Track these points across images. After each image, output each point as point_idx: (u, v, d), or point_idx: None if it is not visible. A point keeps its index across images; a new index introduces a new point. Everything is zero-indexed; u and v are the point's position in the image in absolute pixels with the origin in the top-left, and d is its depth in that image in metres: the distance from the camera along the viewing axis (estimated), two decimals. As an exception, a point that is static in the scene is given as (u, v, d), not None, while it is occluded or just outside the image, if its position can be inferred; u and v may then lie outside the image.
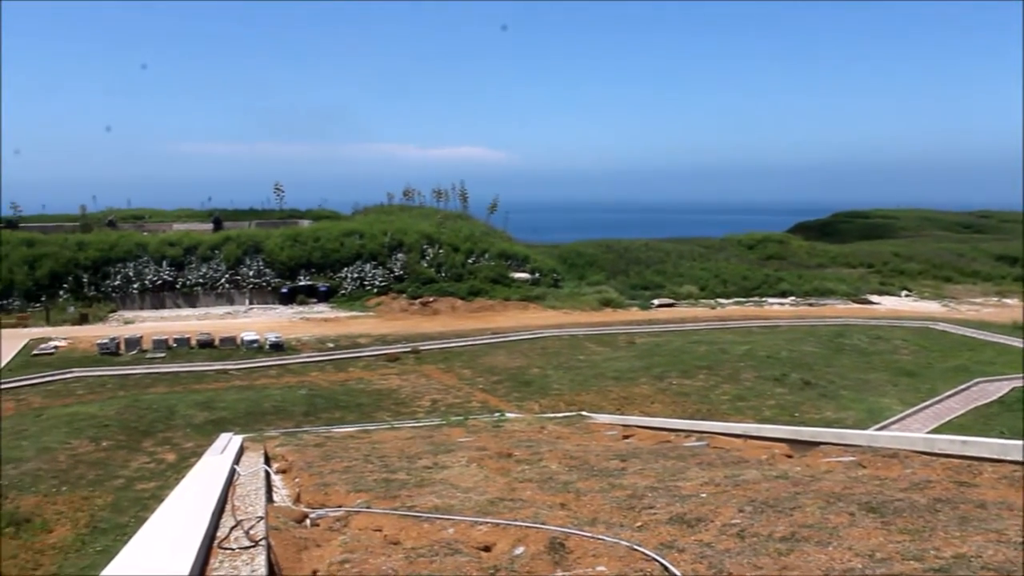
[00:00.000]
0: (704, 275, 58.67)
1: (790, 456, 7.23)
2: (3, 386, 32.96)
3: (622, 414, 23.85)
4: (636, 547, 3.99)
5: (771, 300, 54.96)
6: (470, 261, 54.46)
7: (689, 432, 9.64)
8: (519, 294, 51.49)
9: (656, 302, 52.38)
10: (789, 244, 73.39)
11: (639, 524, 4.58)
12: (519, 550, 4.17)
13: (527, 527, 4.48)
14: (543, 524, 4.52)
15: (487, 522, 4.70)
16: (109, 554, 16.90)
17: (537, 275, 55.31)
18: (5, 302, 48.39)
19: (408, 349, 37.67)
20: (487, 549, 4.31)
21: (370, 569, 3.97)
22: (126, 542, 4.10)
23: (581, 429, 11.24)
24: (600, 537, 4.21)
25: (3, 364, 36.01)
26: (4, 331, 43.89)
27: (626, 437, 9.98)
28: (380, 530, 4.83)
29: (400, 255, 53.46)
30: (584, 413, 13.77)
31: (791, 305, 53.57)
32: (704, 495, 5.19)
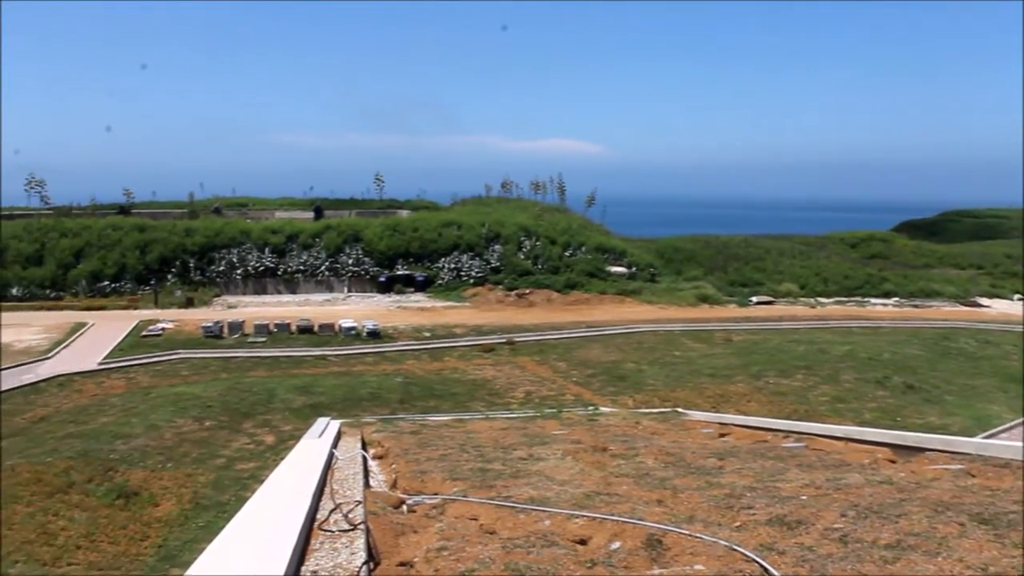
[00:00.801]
0: (804, 273, 57.49)
1: (893, 461, 7.03)
2: (115, 365, 34.25)
3: (718, 412, 23.55)
4: (735, 547, 3.93)
5: (874, 300, 53.58)
6: (567, 254, 54.38)
7: (787, 432, 9.45)
8: (615, 288, 51.25)
9: (754, 299, 51.56)
10: (894, 243, 71.43)
11: (738, 524, 4.50)
12: (616, 545, 4.15)
13: (624, 522, 4.45)
14: (640, 520, 4.48)
15: (584, 515, 4.68)
16: (211, 530, 17.39)
17: (634, 269, 54.94)
18: (117, 285, 50.25)
19: (503, 340, 37.83)
20: (583, 542, 4.30)
21: (467, 557, 3.99)
22: (228, 519, 4.21)
23: (677, 426, 11.12)
24: (698, 535, 4.16)
25: (116, 344, 37.39)
26: (116, 312, 45.58)
27: (722, 435, 9.85)
28: (476, 519, 4.85)
29: (497, 246, 53.68)
30: (679, 410, 13.62)
31: (895, 306, 52.14)
32: (804, 497, 5.08)
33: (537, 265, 52.87)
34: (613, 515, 4.64)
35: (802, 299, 52.69)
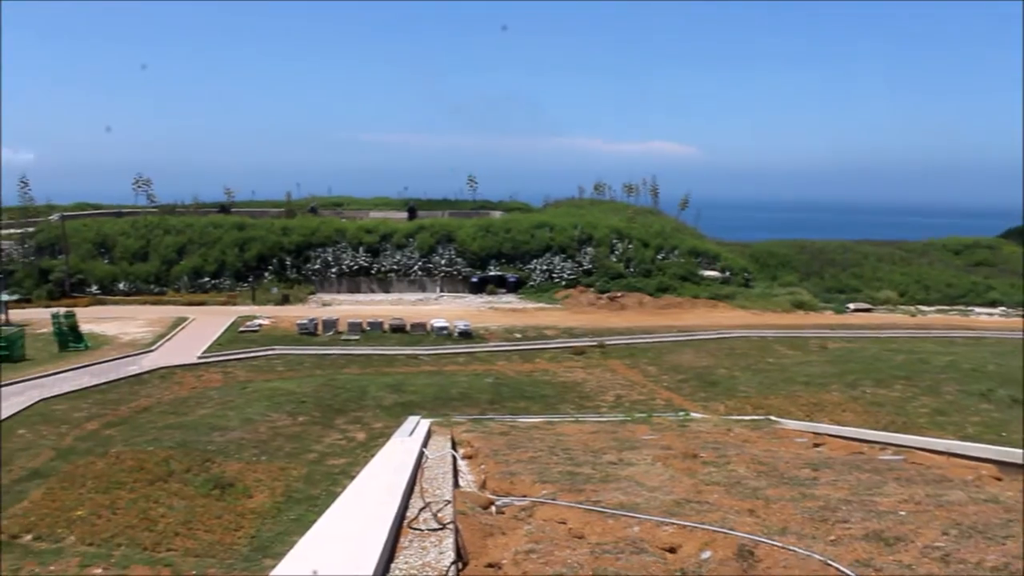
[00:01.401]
0: (904, 280, 55.96)
1: (999, 479, 6.77)
2: (213, 359, 35.18)
3: (812, 421, 23.08)
4: (830, 562, 3.84)
5: (978, 309, 51.87)
6: (659, 257, 53.96)
7: (884, 445, 9.19)
8: (708, 292, 50.68)
9: (851, 306, 50.40)
10: (1000, 250, 68.93)
11: (832, 538, 4.39)
12: (706, 554, 4.08)
13: (715, 531, 4.39)
14: (731, 530, 4.41)
15: (674, 523, 4.62)
16: (302, 523, 17.72)
17: (727, 274, 54.24)
18: (217, 281, 51.66)
19: (594, 343, 37.72)
20: (672, 551, 4.24)
21: (555, 561, 3.97)
22: (320, 513, 4.27)
23: (769, 434, 10.92)
24: (791, 548, 4.07)
25: (215, 339, 38.40)
26: (215, 308, 46.81)
27: (816, 445, 9.63)
28: (565, 523, 4.83)
29: (589, 249, 53.54)
30: (772, 418, 13.37)
31: (1001, 316, 50.37)
32: (903, 513, 4.93)
33: (629, 268, 52.58)
34: (704, 524, 4.57)
35: (901, 307, 51.32)
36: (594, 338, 38.68)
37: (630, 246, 54.21)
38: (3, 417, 27.46)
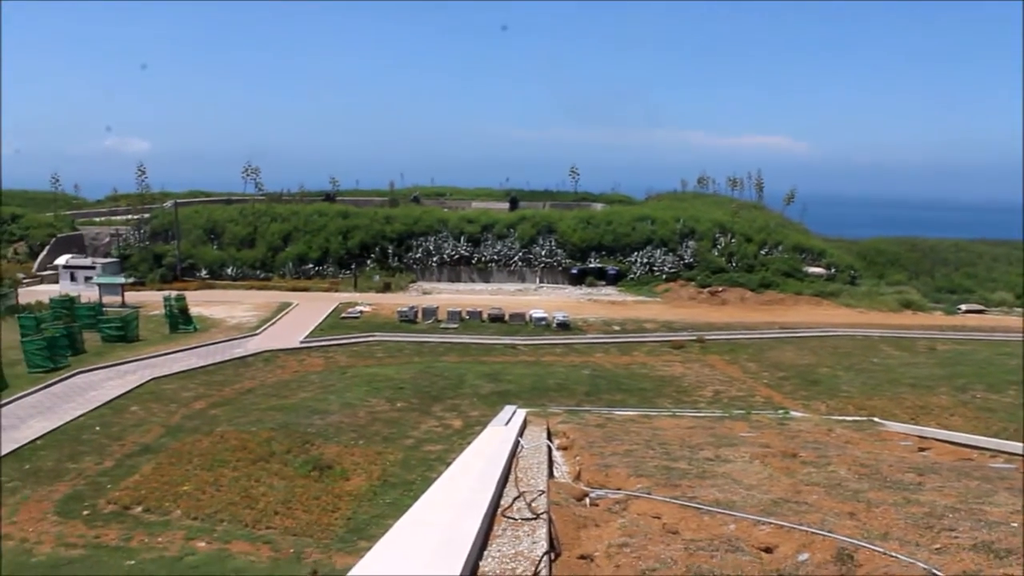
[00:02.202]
0: (1021, 281, 53.79)
1: (1118, 490, 6.47)
2: (315, 344, 35.93)
3: (917, 424, 22.41)
4: (935, 571, 3.71)
5: (1101, 314, 49.55)
6: (763, 252, 53.02)
7: (995, 452, 8.86)
8: (812, 289, 49.59)
9: (963, 307, 48.70)
10: None
11: (937, 546, 4.24)
12: (804, 556, 3.99)
13: (813, 533, 4.28)
14: (830, 532, 4.30)
15: (771, 523, 4.53)
16: (397, 507, 17.96)
17: (833, 271, 52.98)
18: (320, 268, 52.74)
19: (693, 337, 37.31)
20: (769, 551, 4.16)
21: (648, 556, 3.93)
22: (415, 498, 4.31)
23: (872, 436, 10.63)
24: (894, 554, 3.94)
25: (317, 324, 39.23)
26: (318, 293, 47.79)
27: (922, 449, 9.34)
28: (659, 518, 4.78)
29: (691, 243, 52.94)
30: (876, 419, 13.02)
31: (1126, 321, 48.06)
32: (1015, 525, 4.74)
33: (731, 263, 51.82)
34: (802, 525, 4.47)
35: (1017, 309, 49.35)
36: (693, 332, 38.25)
37: (733, 240, 53.40)
38: (117, 395, 28.57)
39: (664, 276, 51.51)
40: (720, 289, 49.20)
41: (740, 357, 34.76)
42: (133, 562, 16.97)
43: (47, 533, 18.35)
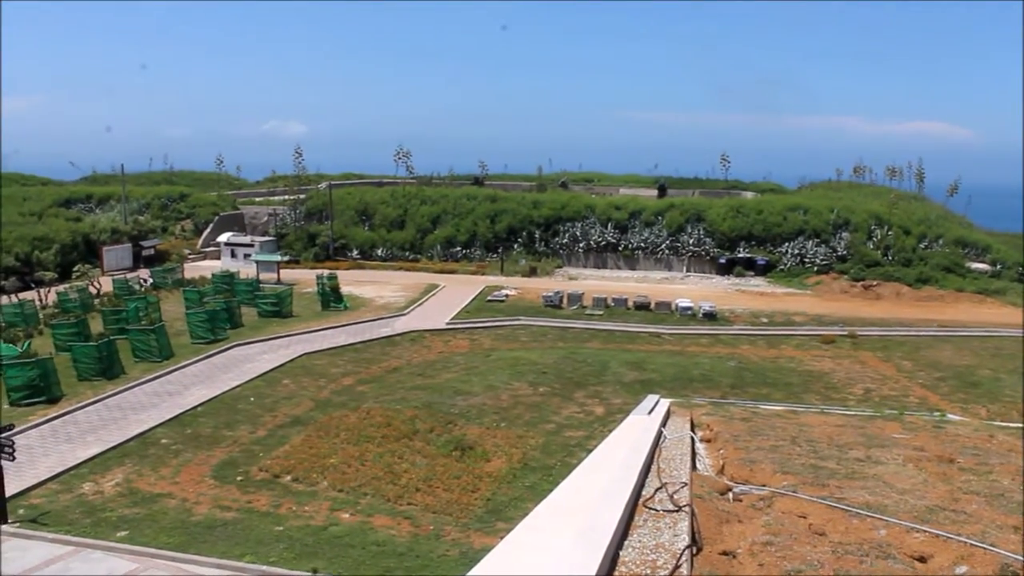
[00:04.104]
0: None
1: None
2: (460, 326, 36.47)
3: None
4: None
5: None
6: (921, 246, 50.80)
7: None
8: (975, 286, 47.23)
9: None
10: None
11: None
12: (962, 569, 3.79)
13: (973, 545, 4.06)
14: (992, 546, 4.06)
15: (926, 531, 4.32)
16: (536, 490, 18.02)
17: (999, 267, 50.29)
18: (468, 251, 53.51)
19: (844, 332, 36.11)
20: (923, 560, 3.97)
21: (794, 556, 3.81)
22: (554, 482, 4.29)
23: (1039, 444, 10.04)
24: (1063, 572, 3.69)
25: (463, 306, 39.82)
26: (465, 276, 48.50)
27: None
28: (805, 517, 4.63)
29: (845, 234, 51.19)
30: (1043, 426, 12.30)
31: None
32: None
33: (887, 256, 49.86)
34: (961, 536, 4.24)
35: None
36: (845, 327, 37.00)
37: (889, 233, 51.34)
38: (271, 368, 29.73)
39: (815, 268, 50.01)
40: (874, 283, 47.44)
41: (894, 355, 33.44)
42: (281, 528, 17.65)
43: (204, 495, 19.30)
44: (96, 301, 38.58)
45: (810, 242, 51.22)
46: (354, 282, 45.25)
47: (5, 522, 17.78)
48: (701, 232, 52.65)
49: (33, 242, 46.59)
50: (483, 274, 49.45)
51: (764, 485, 5.57)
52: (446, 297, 42.47)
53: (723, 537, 4.20)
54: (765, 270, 50.50)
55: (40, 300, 38.01)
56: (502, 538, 3.45)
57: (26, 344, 29.68)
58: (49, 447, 22.42)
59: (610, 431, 6.90)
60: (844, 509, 4.81)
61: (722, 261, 51.23)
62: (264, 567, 16.03)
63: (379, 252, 54.39)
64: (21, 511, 18.54)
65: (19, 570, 16.03)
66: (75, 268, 43.58)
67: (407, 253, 54.28)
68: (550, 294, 40.41)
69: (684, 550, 3.73)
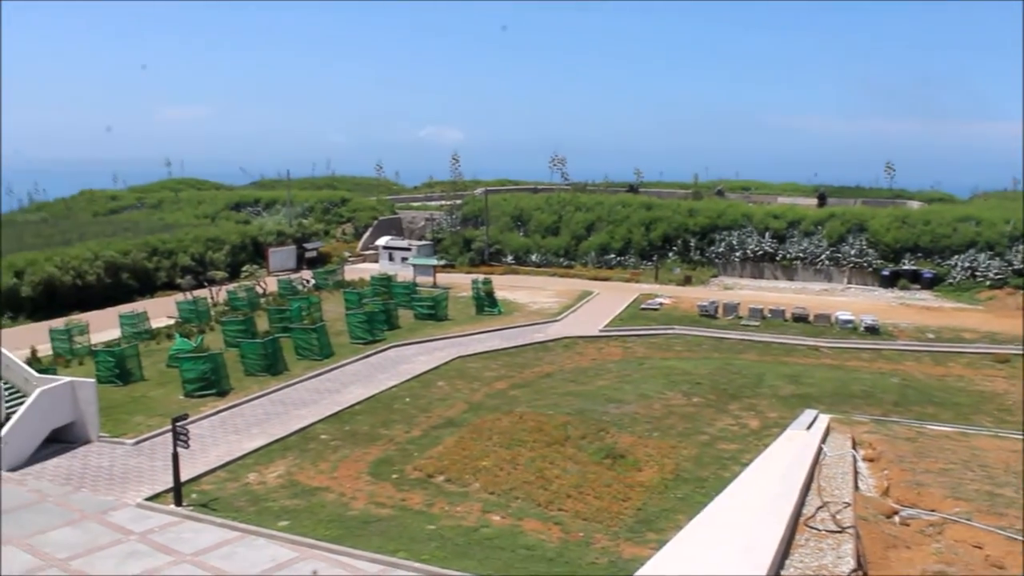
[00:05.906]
0: None
1: None
2: (614, 333, 36.34)
3: None
4: None
5: None
6: (1107, 261, 47.58)
7: None
8: None
9: None
10: None
11: None
12: None
13: None
14: None
15: (1117, 568, 4.02)
16: (688, 502, 17.74)
17: None
18: (622, 258, 53.34)
19: (1020, 351, 34.16)
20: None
21: (968, 589, 3.60)
22: (707, 495, 4.21)
23: None
24: None
25: (616, 314, 39.68)
26: (619, 283, 48.30)
27: None
28: (981, 547, 4.37)
29: (1022, 247, 48.44)
30: None
31: None
32: None
33: (1069, 271, 46.90)
34: None
35: None
36: (1020, 346, 35.00)
37: (1073, 246, 48.31)
38: (426, 370, 30.34)
39: (988, 282, 47.47)
40: (1055, 300, 44.72)
41: (1076, 376, 31.42)
42: (434, 527, 18.00)
43: (361, 491, 19.91)
44: (262, 300, 40.39)
45: (982, 255, 48.67)
46: (508, 287, 45.73)
47: (180, 505, 19.07)
48: (863, 243, 50.86)
49: (207, 243, 49.25)
50: (637, 282, 49.13)
51: (934, 510, 5.31)
52: (600, 304, 42.42)
53: (889, 563, 4.01)
54: (932, 283, 48.30)
55: (212, 298, 40.06)
56: (653, 549, 3.39)
57: (199, 339, 31.35)
58: (219, 437, 23.69)
59: (766, 445, 6.73)
60: None
61: (885, 273, 49.32)
62: (417, 563, 16.39)
63: (533, 258, 54.85)
64: (194, 495, 19.78)
65: (192, 550, 17.12)
66: (243, 268, 45.78)
67: (561, 259, 54.54)
68: (705, 303, 39.80)
69: (849, 574, 3.59)
